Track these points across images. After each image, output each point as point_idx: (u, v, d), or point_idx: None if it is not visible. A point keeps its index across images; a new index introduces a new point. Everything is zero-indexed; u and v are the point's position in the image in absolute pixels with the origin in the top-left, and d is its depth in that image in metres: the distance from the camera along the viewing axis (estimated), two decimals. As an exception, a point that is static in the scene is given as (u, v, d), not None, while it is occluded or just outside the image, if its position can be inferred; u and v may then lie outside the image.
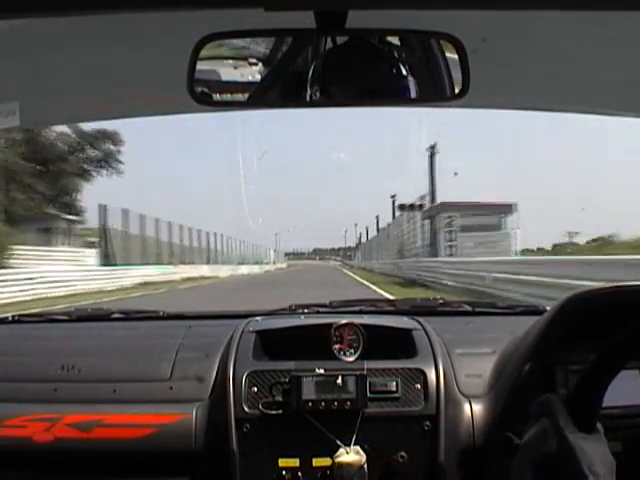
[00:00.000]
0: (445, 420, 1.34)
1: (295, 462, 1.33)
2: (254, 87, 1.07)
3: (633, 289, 1.21)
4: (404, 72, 1.05)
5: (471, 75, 0.98)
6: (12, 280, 13.88)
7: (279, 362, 1.41)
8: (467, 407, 1.36)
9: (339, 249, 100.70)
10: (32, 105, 1.31)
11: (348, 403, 1.33)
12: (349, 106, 1.16)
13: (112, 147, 25.65)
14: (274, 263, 59.40)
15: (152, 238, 26.53)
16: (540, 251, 25.54)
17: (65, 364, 1.45)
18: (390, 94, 1.05)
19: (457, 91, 1.02)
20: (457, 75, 1.01)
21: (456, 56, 0.98)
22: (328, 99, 1.03)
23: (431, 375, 1.38)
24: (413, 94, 1.06)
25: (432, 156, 25.76)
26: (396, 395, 1.36)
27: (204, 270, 28.76)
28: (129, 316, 1.82)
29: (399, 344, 1.49)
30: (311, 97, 1.02)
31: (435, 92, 1.08)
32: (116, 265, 21.13)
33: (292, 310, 1.77)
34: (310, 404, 1.33)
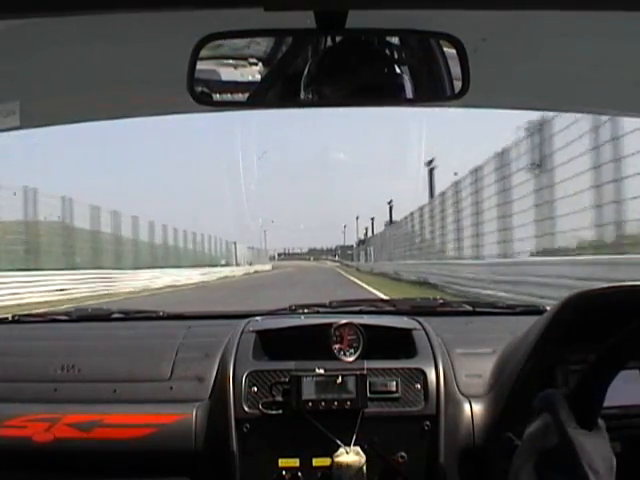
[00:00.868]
0: (445, 420, 1.34)
1: (295, 462, 1.33)
2: (254, 87, 1.08)
3: (633, 289, 1.21)
4: (404, 72, 1.05)
5: (471, 75, 0.98)
6: None
7: (279, 362, 1.41)
8: (467, 407, 1.36)
9: (336, 248, 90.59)
10: (32, 105, 1.31)
11: (348, 403, 1.33)
12: (349, 106, 1.16)
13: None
14: (249, 264, 45.07)
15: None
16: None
17: (65, 364, 1.45)
18: (390, 94, 1.05)
19: (457, 91, 1.02)
20: (457, 75, 1.01)
21: (456, 56, 0.98)
22: (328, 99, 1.04)
23: (431, 375, 1.38)
24: (413, 94, 1.06)
25: (431, 171, 26.59)
26: (396, 395, 1.36)
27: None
28: (129, 316, 1.82)
29: (399, 344, 1.49)
30: (311, 97, 1.02)
31: (435, 92, 1.08)
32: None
33: (292, 310, 1.77)
34: (310, 404, 1.33)
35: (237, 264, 41.37)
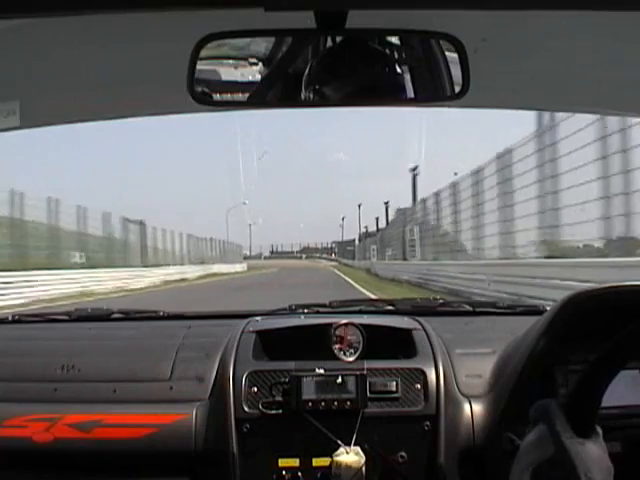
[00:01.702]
0: (445, 420, 1.34)
1: (295, 462, 1.33)
2: (254, 87, 1.08)
3: (633, 289, 1.21)
4: (404, 72, 1.06)
5: (471, 75, 0.98)
6: None
7: (279, 362, 1.41)
8: (467, 407, 1.36)
9: (333, 246, 72.96)
10: (32, 105, 1.31)
11: (348, 403, 1.33)
12: (349, 106, 1.16)
13: None
14: (198, 263, 30.69)
15: None
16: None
17: (65, 364, 1.45)
18: (390, 94, 1.05)
19: (457, 91, 1.02)
20: (457, 75, 1.01)
21: (456, 56, 0.98)
22: (328, 99, 1.03)
23: (431, 375, 1.38)
24: (413, 94, 1.06)
25: (414, 177, 26.95)
26: (396, 395, 1.36)
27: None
28: (129, 316, 1.82)
29: (399, 344, 1.49)
30: (311, 97, 1.02)
31: (435, 92, 1.08)
32: None
33: (292, 310, 1.77)
34: (310, 404, 1.33)
35: (145, 264, 23.21)
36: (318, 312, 1.75)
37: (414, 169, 27.98)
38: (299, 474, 1.33)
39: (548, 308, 1.45)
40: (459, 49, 0.97)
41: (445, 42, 1.01)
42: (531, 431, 0.96)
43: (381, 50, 1.03)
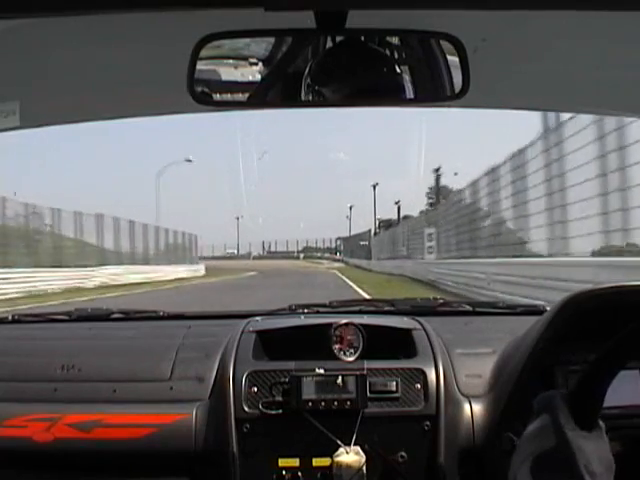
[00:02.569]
0: (445, 420, 1.34)
1: (295, 462, 1.33)
2: (254, 87, 1.08)
3: (633, 289, 1.21)
4: (404, 72, 1.06)
5: (471, 75, 0.98)
6: None
7: (279, 362, 1.41)
8: (467, 407, 1.36)
9: (338, 243, 55.95)
10: (32, 105, 1.31)
11: (348, 403, 1.33)
12: (349, 106, 1.16)
13: None
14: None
15: None
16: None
17: (65, 364, 1.45)
18: (390, 94, 1.05)
19: (457, 91, 1.02)
20: (457, 75, 1.01)
21: (456, 56, 0.98)
22: (328, 99, 1.04)
23: (431, 375, 1.38)
24: (413, 94, 1.06)
25: (437, 179, 25.19)
26: (396, 395, 1.36)
27: None
28: (129, 316, 1.82)
29: (399, 344, 1.49)
30: (311, 97, 1.02)
31: (435, 92, 1.08)
32: None
33: (292, 310, 1.78)
34: (310, 404, 1.33)
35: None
36: (318, 312, 1.75)
37: (437, 170, 28.99)
38: (299, 474, 1.33)
39: (548, 308, 1.45)
40: (459, 49, 0.97)
41: (445, 42, 1.01)
42: (534, 422, 0.96)
43: (381, 50, 1.03)
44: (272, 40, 1.06)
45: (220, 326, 1.62)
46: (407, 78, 1.06)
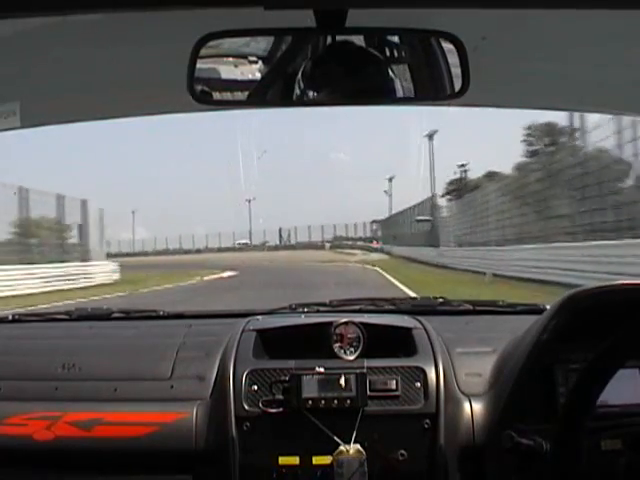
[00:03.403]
0: (445, 418, 1.34)
1: (295, 460, 1.34)
2: (254, 86, 1.08)
3: (632, 287, 1.21)
4: (404, 71, 1.06)
5: (471, 73, 0.98)
6: None
7: (279, 361, 1.41)
8: (467, 406, 1.36)
9: (374, 226, 42.65)
10: (32, 105, 1.31)
11: (348, 401, 1.33)
12: (349, 105, 1.17)
13: None
14: None
15: None
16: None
17: (66, 363, 1.46)
18: (390, 93, 1.05)
19: (457, 89, 1.02)
20: (457, 74, 1.01)
21: (456, 55, 0.99)
22: (328, 98, 1.04)
23: (431, 374, 1.38)
24: (413, 93, 1.06)
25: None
26: (396, 393, 1.36)
27: None
28: (129, 315, 1.82)
29: (399, 343, 1.49)
30: (311, 96, 1.02)
31: (435, 91, 1.08)
32: None
33: (292, 309, 1.78)
34: (310, 402, 1.33)
35: None
36: (318, 311, 1.76)
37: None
38: (299, 472, 1.34)
39: (548, 307, 1.45)
40: (459, 47, 0.98)
41: (445, 41, 1.02)
42: None
43: (381, 49, 1.03)
44: (272, 39, 1.06)
45: (220, 325, 1.62)
46: (407, 77, 1.06)
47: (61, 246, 17.64)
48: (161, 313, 1.82)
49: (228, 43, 1.05)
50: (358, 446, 1.32)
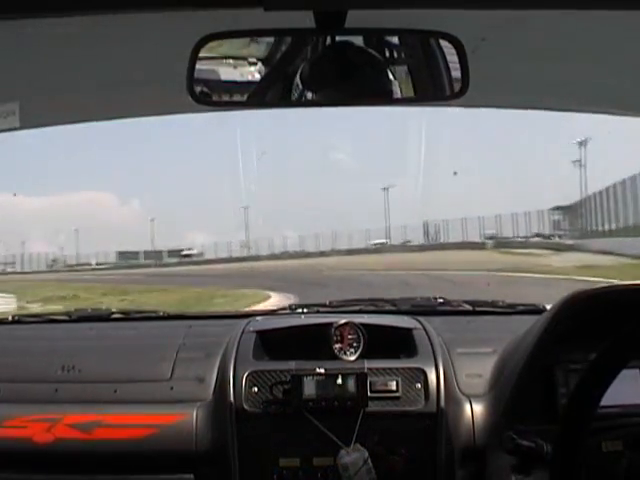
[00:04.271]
0: (445, 419, 1.34)
1: (295, 461, 1.33)
2: (254, 87, 1.08)
3: (632, 288, 1.21)
4: (404, 72, 1.06)
5: (470, 74, 0.98)
6: None
7: (279, 362, 1.41)
8: (467, 406, 1.36)
9: (556, 217, 19.76)
10: (32, 105, 1.31)
11: (348, 402, 1.33)
12: (349, 105, 1.17)
13: None
14: None
15: None
16: None
17: (65, 365, 1.45)
18: (390, 93, 1.05)
19: (457, 90, 1.02)
20: (457, 74, 1.01)
21: (456, 55, 0.98)
22: (328, 98, 1.04)
23: (431, 374, 1.38)
24: (414, 93, 1.06)
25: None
26: (396, 394, 1.36)
27: None
28: (129, 316, 1.82)
29: (399, 343, 1.49)
30: (311, 96, 1.02)
31: (435, 91, 1.08)
32: None
33: (292, 309, 1.77)
34: (311, 403, 1.33)
35: None
36: (318, 312, 1.75)
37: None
38: (300, 474, 1.33)
39: (548, 307, 1.45)
40: (458, 48, 0.97)
41: (445, 42, 1.01)
42: None
43: (381, 49, 1.03)
44: (272, 40, 1.06)
45: (221, 326, 1.61)
46: (407, 77, 1.06)
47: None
48: (161, 314, 1.81)
49: (228, 44, 1.05)
50: (359, 447, 1.32)
